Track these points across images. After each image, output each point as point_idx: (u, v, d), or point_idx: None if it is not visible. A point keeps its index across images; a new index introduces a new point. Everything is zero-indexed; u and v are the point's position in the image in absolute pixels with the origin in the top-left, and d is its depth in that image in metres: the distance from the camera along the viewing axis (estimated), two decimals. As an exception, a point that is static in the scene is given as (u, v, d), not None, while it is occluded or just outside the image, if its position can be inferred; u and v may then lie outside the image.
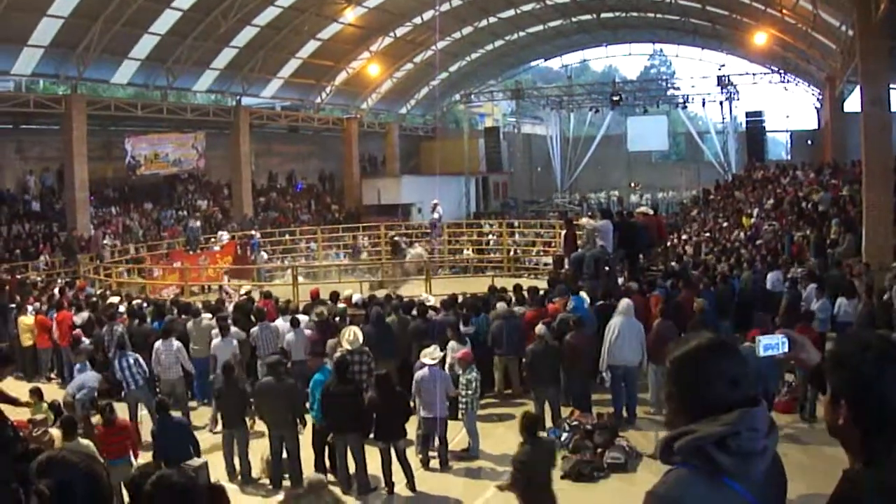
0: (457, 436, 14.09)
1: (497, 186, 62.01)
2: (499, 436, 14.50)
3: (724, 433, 2.69)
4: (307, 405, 13.30)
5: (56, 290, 24.83)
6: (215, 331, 17.20)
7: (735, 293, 19.85)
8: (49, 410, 12.96)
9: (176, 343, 16.55)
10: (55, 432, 10.93)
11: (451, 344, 15.41)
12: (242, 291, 23.34)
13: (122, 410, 14.92)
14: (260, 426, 13.95)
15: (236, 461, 13.08)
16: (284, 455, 12.81)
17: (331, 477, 12.78)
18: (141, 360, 15.62)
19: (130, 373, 15.27)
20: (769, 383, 14.10)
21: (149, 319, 19.05)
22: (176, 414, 13.35)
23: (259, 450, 13.32)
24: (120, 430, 11.96)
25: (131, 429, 12.89)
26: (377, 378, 12.72)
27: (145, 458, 11.93)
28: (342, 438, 12.40)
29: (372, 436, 12.47)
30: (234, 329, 17.00)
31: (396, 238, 33.67)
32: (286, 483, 12.78)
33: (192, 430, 12.62)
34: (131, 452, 11.96)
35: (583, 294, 17.71)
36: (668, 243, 29.19)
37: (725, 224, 34.99)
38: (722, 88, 54.03)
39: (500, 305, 17.45)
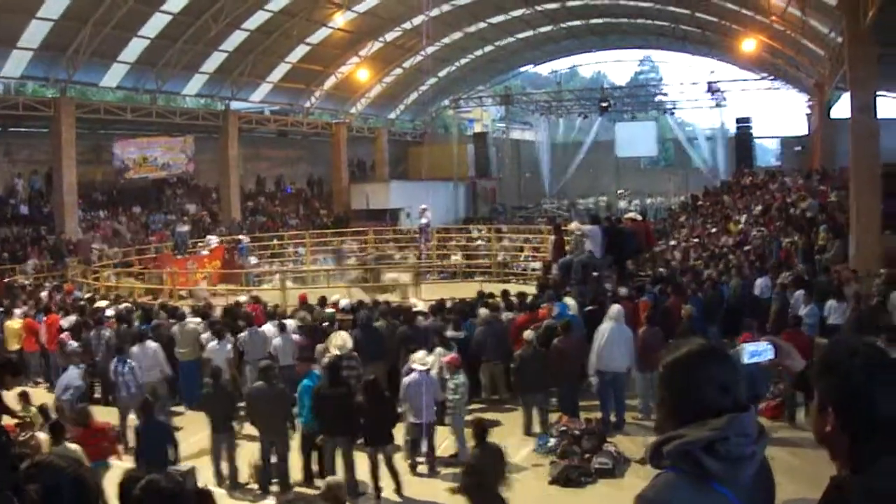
0: (444, 441, 14.09)
1: (486, 192, 61.97)
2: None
3: (713, 438, 2.70)
4: (295, 410, 13.28)
5: (44, 294, 24.77)
6: (206, 335, 17.24)
7: (724, 299, 19.90)
8: (38, 415, 12.94)
9: (153, 345, 16.63)
10: (42, 436, 10.92)
11: (438, 349, 15.38)
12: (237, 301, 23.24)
13: (109, 414, 14.98)
14: (247, 430, 13.94)
15: (224, 466, 13.06)
16: (273, 460, 12.80)
17: (318, 482, 12.81)
18: (136, 368, 15.60)
19: (124, 379, 15.26)
20: (759, 387, 14.13)
21: (137, 323, 19.01)
22: (160, 417, 13.31)
23: (247, 454, 13.30)
24: (96, 432, 11.94)
25: (109, 431, 12.88)
26: (365, 383, 12.71)
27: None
28: (332, 441, 12.39)
29: (360, 441, 12.46)
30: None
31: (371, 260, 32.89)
32: (274, 488, 12.78)
33: (173, 432, 12.57)
34: (115, 455, 11.97)
35: (567, 300, 17.72)
36: (656, 249, 29.24)
37: (714, 230, 34.99)
38: (711, 94, 54.21)
39: (483, 311, 17.43)
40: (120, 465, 11.48)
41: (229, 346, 16.57)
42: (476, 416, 11.90)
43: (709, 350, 2.95)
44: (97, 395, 17.98)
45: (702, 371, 2.87)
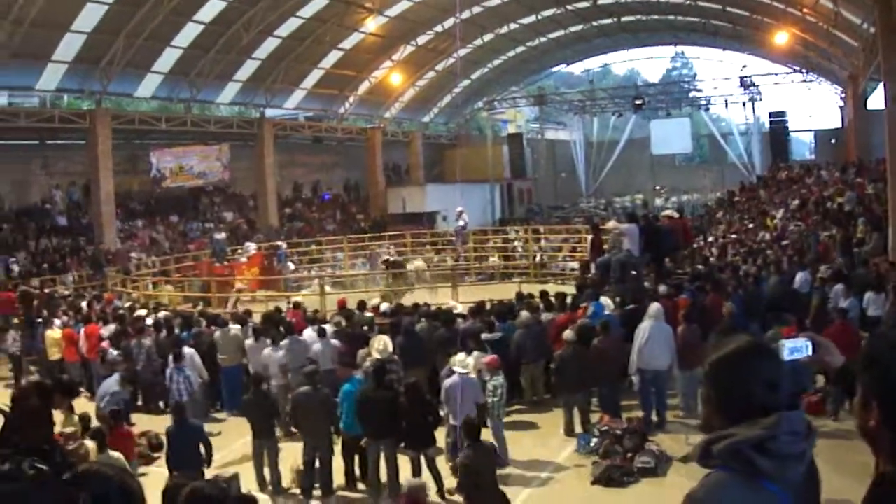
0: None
1: (522, 193, 61.69)
2: (527, 443, 14.49)
3: (764, 437, 2.70)
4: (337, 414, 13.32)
5: (84, 304, 24.93)
6: (249, 340, 17.35)
7: (763, 295, 19.72)
8: (79, 423, 13.05)
9: (188, 350, 16.95)
10: (90, 445, 11.02)
11: (476, 352, 15.33)
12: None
13: (150, 422, 15.13)
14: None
15: (266, 471, 13.12)
16: (316, 464, 12.84)
17: (361, 486, 12.87)
18: (192, 377, 15.78)
19: (178, 388, 15.45)
20: (803, 381, 14.02)
21: (178, 330, 19.14)
22: (195, 421, 13.36)
23: (289, 459, 13.35)
24: (123, 435, 12.07)
25: (135, 437, 13.02)
26: (407, 386, 12.70)
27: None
28: (377, 444, 12.41)
29: (402, 444, 12.48)
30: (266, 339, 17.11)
31: (390, 259, 32.72)
32: (317, 493, 12.81)
33: (206, 434, 12.56)
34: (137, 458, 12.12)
35: (603, 300, 17.66)
36: (694, 246, 29.09)
37: (751, 225, 34.77)
38: (744, 89, 53.77)
39: (524, 314, 17.37)
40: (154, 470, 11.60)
41: (282, 352, 16.59)
42: (466, 416, 11.92)
43: (755, 347, 2.94)
44: (139, 403, 18.15)
45: (748, 368, 2.87)
